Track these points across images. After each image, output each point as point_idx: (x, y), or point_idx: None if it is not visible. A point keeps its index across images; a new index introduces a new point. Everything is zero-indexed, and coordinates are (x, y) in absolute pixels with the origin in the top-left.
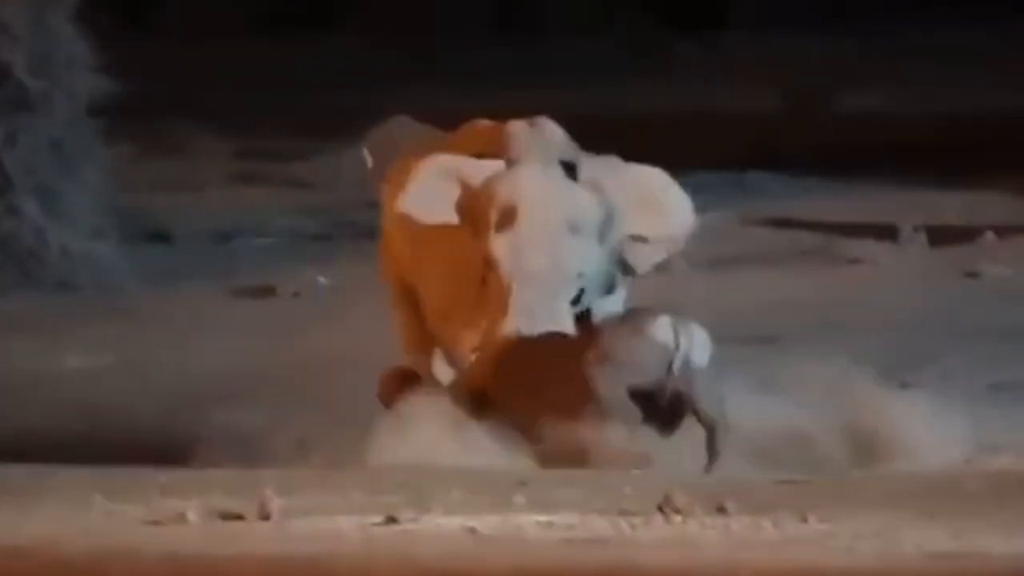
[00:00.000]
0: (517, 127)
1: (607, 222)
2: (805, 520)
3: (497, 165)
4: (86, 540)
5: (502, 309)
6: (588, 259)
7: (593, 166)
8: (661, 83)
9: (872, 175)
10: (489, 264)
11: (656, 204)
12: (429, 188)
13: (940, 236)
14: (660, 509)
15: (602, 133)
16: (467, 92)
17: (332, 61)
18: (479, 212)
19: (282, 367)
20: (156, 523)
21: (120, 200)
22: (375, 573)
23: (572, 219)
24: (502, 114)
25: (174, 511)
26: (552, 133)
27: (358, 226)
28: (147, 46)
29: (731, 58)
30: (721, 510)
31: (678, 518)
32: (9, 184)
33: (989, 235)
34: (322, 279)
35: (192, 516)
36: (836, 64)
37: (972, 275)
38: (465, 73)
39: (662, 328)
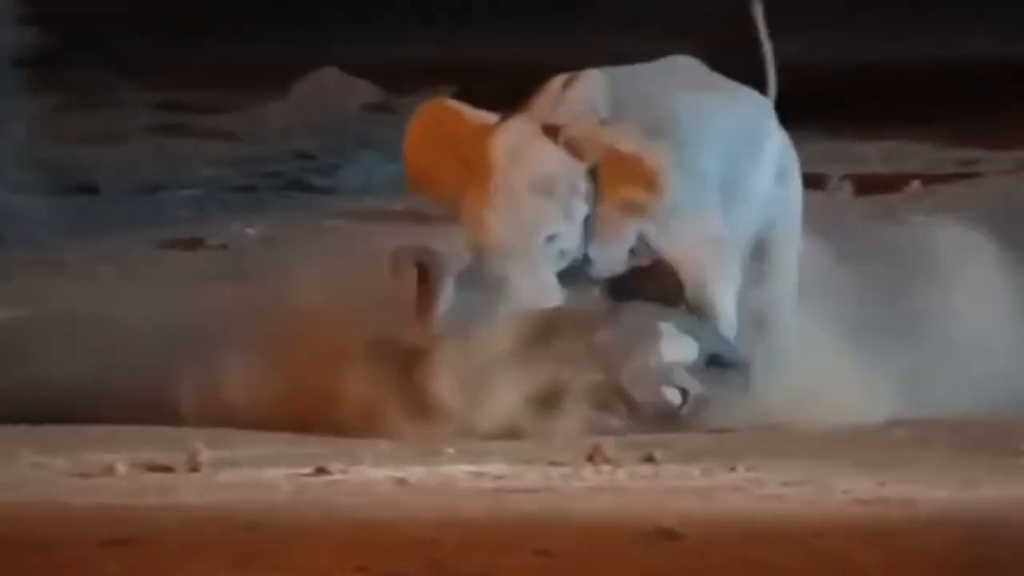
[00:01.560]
0: (552, 82)
1: (577, 185)
2: (734, 469)
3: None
4: (13, 492)
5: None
6: (559, 222)
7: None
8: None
9: (796, 125)
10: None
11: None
12: (426, 134)
13: (866, 185)
14: (590, 459)
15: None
16: (393, 44)
17: (260, 13)
18: (459, 166)
19: (213, 317)
20: (84, 475)
21: (45, 152)
22: (304, 523)
23: (538, 178)
24: (442, 66)
25: (102, 464)
26: (578, 90)
27: (283, 177)
28: None
29: (633, 7)
30: (650, 460)
31: (607, 468)
32: None
33: (915, 184)
34: (250, 230)
35: (120, 468)
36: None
37: (899, 224)
38: (393, 24)
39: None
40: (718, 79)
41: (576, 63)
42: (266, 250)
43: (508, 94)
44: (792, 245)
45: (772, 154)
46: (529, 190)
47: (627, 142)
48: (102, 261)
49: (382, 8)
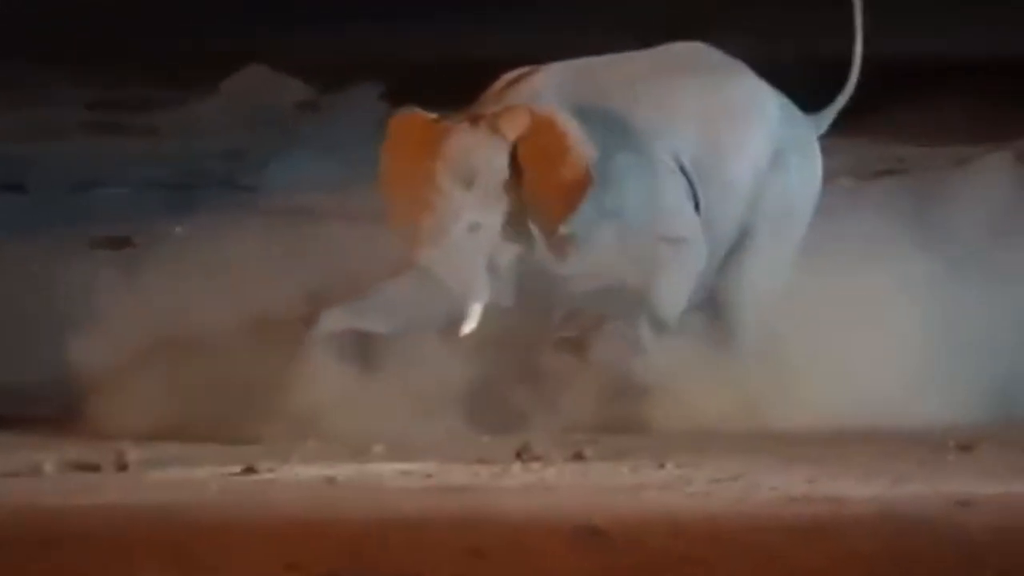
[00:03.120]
0: (499, 80)
1: (500, 173)
2: (663, 466)
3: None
4: None
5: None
6: (478, 211)
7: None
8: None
9: None
10: None
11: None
12: (394, 152)
13: None
14: (518, 456)
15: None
16: (323, 40)
17: (186, 7)
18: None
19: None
20: (12, 475)
21: None
22: (234, 522)
23: (457, 169)
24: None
25: (30, 463)
26: (520, 88)
27: (213, 175)
28: None
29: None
30: (579, 457)
31: (536, 465)
32: None
33: (845, 180)
34: (179, 228)
35: (48, 467)
36: (696, 10)
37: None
38: (323, 20)
39: None
40: (715, 63)
41: (512, 60)
42: (193, 248)
43: (437, 90)
44: (782, 238)
45: (762, 140)
46: (449, 181)
47: (540, 112)
48: (31, 260)
49: (312, 4)
